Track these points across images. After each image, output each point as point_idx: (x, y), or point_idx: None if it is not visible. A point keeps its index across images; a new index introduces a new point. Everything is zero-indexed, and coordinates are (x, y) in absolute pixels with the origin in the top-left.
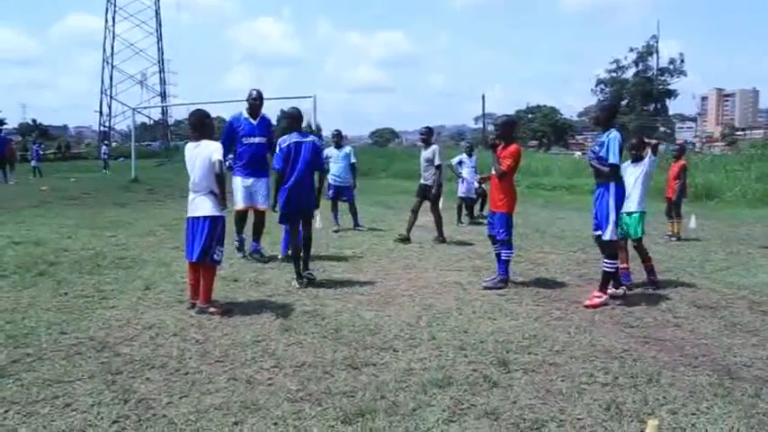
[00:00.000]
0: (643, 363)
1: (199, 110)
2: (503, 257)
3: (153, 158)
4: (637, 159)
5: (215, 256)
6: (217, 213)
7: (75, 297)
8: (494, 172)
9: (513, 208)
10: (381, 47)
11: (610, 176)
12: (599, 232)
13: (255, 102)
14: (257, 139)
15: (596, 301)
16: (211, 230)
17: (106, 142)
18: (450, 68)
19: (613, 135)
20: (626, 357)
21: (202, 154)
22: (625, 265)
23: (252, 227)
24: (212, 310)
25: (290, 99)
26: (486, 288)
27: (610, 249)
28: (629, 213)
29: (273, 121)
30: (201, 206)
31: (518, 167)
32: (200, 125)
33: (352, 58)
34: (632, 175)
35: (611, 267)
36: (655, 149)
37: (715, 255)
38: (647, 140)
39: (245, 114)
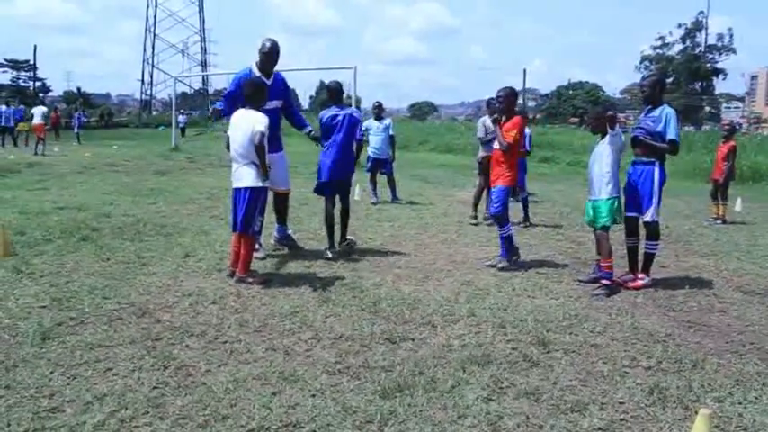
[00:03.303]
0: (687, 348)
1: (256, 78)
2: (502, 234)
3: (193, 127)
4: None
5: (255, 227)
6: (259, 185)
7: (116, 263)
8: (497, 146)
9: (514, 181)
10: (420, 18)
11: (667, 153)
12: (637, 214)
13: (268, 55)
14: (272, 104)
15: (639, 283)
16: (252, 202)
17: (182, 111)
18: (490, 41)
19: (669, 110)
20: (669, 342)
21: (247, 123)
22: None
23: (274, 212)
24: (251, 280)
25: (330, 70)
26: (489, 265)
27: (653, 230)
28: (596, 200)
29: (312, 92)
30: (243, 177)
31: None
32: (253, 94)
33: (390, 30)
34: (597, 154)
35: (654, 249)
36: (612, 123)
37: (762, 239)
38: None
39: (256, 71)
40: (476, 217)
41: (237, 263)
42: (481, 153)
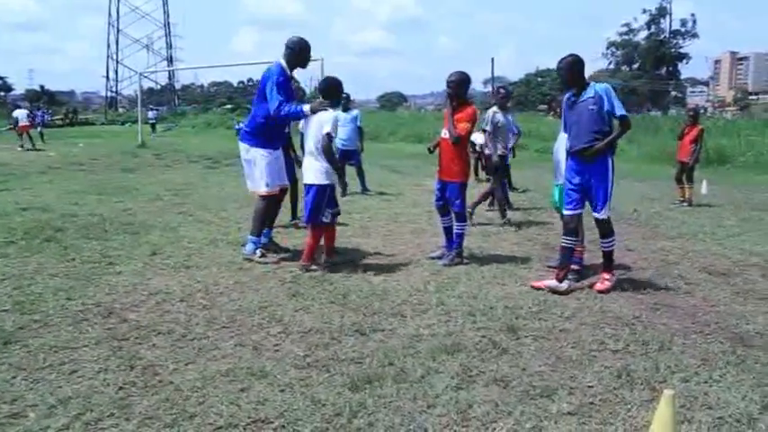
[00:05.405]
0: (654, 330)
1: (330, 77)
2: (457, 230)
3: (160, 123)
4: None
5: (324, 219)
6: (324, 182)
7: (81, 263)
8: (445, 136)
9: (468, 175)
10: (388, 9)
11: (624, 132)
12: (594, 213)
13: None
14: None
15: (607, 284)
16: (318, 196)
17: (152, 107)
18: (458, 30)
19: (602, 85)
20: (637, 324)
21: (317, 121)
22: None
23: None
24: (314, 267)
25: None
26: (445, 265)
27: (607, 227)
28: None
29: None
30: (308, 173)
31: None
32: (326, 92)
33: (358, 21)
34: (563, 138)
35: (611, 245)
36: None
37: (727, 221)
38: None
39: (288, 71)
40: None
41: (330, 253)
42: (487, 151)
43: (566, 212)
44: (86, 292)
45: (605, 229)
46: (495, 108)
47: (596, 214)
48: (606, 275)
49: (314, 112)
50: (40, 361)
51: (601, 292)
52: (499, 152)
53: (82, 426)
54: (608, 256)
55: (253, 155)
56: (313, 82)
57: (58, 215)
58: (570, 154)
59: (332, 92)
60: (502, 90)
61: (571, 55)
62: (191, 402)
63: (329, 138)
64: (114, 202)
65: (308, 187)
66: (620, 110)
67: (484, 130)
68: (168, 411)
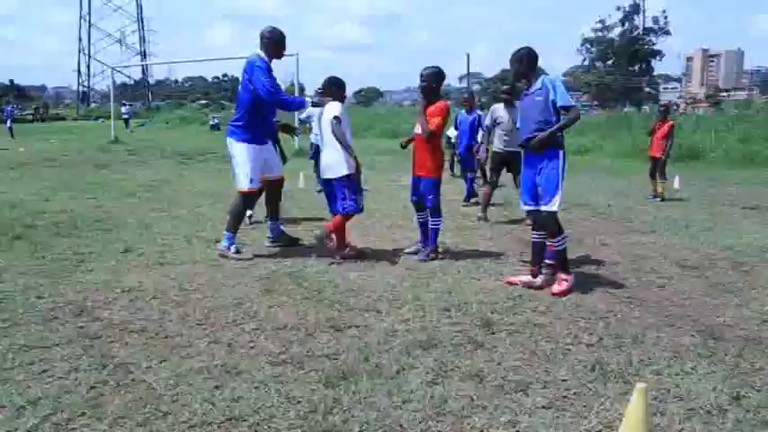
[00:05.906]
0: (627, 323)
1: (334, 76)
2: (432, 226)
3: (134, 119)
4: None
5: (349, 207)
6: (344, 172)
7: (52, 260)
8: (419, 131)
9: (441, 170)
10: (364, 3)
11: (573, 123)
12: (541, 205)
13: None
14: None
15: (565, 285)
16: (343, 187)
17: (125, 102)
18: (433, 26)
19: (552, 77)
20: (610, 318)
21: (325, 117)
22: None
23: (266, 204)
24: (331, 244)
25: None
26: (420, 261)
27: (553, 224)
28: None
29: None
30: (331, 167)
31: (445, 126)
32: (329, 89)
33: (334, 16)
34: None
35: (562, 244)
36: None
37: (698, 215)
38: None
39: (268, 61)
40: (486, 218)
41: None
42: (485, 146)
43: (526, 208)
44: (57, 290)
45: (551, 226)
46: (500, 104)
47: (542, 206)
48: (563, 276)
49: (315, 105)
50: (9, 361)
51: (557, 294)
52: (495, 148)
53: (52, 426)
54: (560, 255)
55: (238, 149)
56: (289, 76)
57: (28, 212)
58: (522, 148)
59: (333, 89)
60: (505, 86)
61: (524, 48)
62: (164, 401)
63: (337, 121)
64: (86, 198)
65: (335, 182)
66: (562, 101)
67: (486, 127)
68: (141, 410)
